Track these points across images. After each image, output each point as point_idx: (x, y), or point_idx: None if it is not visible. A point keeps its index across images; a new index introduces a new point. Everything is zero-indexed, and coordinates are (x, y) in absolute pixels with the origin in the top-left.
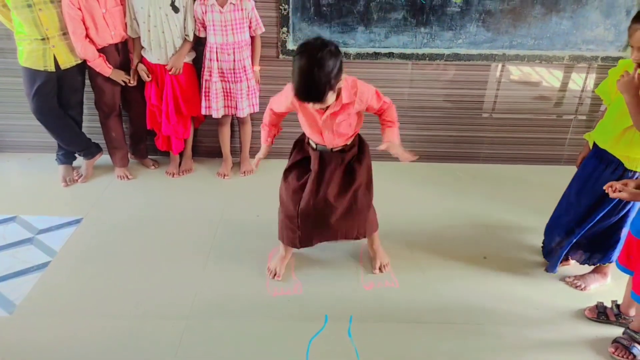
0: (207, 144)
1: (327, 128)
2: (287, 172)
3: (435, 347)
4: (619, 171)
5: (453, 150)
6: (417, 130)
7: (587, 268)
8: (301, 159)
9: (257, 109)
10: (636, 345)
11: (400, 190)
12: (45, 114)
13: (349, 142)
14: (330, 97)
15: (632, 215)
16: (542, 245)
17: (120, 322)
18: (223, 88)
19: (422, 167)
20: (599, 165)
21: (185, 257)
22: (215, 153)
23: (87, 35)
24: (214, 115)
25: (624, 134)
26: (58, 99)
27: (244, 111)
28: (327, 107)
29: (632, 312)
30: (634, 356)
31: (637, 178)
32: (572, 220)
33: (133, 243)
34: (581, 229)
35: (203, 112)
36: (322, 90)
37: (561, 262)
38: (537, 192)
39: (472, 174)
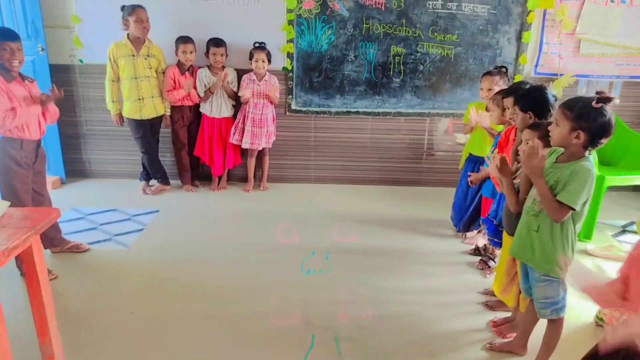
0: (237, 172)
1: None
2: None
3: None
4: (485, 165)
5: (400, 176)
6: (376, 162)
7: (474, 234)
8: None
9: (270, 146)
10: (491, 261)
11: (359, 202)
12: (146, 147)
13: None
14: None
15: None
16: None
17: (194, 269)
18: (252, 131)
19: (379, 189)
20: (474, 166)
21: (227, 228)
22: (242, 179)
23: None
24: (243, 146)
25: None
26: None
27: (261, 145)
28: None
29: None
30: (489, 266)
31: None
32: (463, 202)
33: (195, 223)
34: (469, 207)
35: (233, 141)
36: None
37: (462, 232)
38: None
39: (414, 192)
